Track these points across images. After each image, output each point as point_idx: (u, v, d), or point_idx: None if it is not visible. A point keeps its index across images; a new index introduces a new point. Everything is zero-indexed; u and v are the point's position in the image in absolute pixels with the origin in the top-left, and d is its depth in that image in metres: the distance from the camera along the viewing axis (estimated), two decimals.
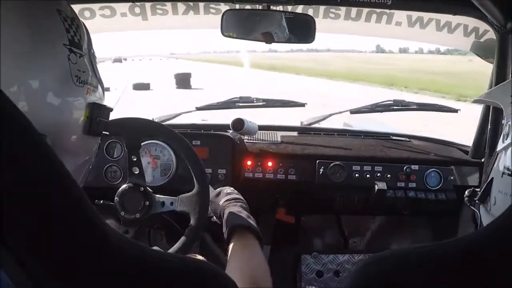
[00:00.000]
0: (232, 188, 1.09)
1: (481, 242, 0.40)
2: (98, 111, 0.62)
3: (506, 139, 0.65)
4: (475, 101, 1.09)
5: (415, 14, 1.52)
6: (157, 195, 1.09)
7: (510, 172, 0.63)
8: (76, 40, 0.57)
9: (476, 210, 0.92)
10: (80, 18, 0.64)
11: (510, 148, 0.63)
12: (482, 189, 0.82)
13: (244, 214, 0.95)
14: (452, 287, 0.39)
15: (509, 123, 0.65)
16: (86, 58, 0.60)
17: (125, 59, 70.40)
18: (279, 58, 63.14)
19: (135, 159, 1.10)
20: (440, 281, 0.40)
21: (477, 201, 0.86)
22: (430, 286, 0.40)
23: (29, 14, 0.51)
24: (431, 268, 0.40)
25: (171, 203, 1.07)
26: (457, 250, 0.41)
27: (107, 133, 0.68)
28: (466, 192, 0.97)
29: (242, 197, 1.04)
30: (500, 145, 0.66)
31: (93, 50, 0.64)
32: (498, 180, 0.66)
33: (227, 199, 1.02)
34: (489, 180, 0.74)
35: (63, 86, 0.54)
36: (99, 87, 0.65)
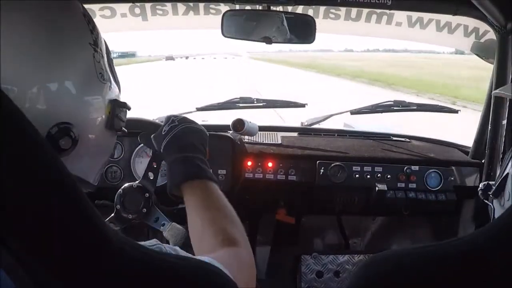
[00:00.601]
0: (171, 115, 0.92)
1: (482, 242, 0.40)
2: (118, 108, 0.65)
3: None
4: (495, 94, 1.08)
5: (415, 15, 1.53)
6: (157, 208, 1.07)
7: None
8: (98, 41, 0.62)
9: (490, 204, 0.92)
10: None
11: None
12: (497, 184, 0.83)
13: (194, 163, 0.80)
14: (453, 287, 0.39)
15: None
16: (105, 57, 0.64)
17: (187, 57, 71.36)
18: (359, 59, 47.43)
19: (155, 166, 1.09)
20: (441, 282, 0.40)
21: (491, 195, 0.86)
22: (431, 286, 0.40)
23: (55, 18, 0.56)
24: (431, 269, 0.40)
25: (163, 224, 1.05)
26: (458, 251, 0.41)
27: (125, 130, 0.70)
28: (481, 185, 0.97)
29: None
30: None
31: (108, 50, 0.68)
32: None
33: (169, 144, 0.85)
34: (504, 175, 0.74)
35: (90, 83, 0.59)
36: (115, 85, 0.68)
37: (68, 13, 0.59)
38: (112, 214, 1.05)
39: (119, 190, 1.06)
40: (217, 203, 0.73)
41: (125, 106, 0.68)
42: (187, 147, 0.84)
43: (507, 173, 0.76)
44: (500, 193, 0.75)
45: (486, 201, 0.97)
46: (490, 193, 0.86)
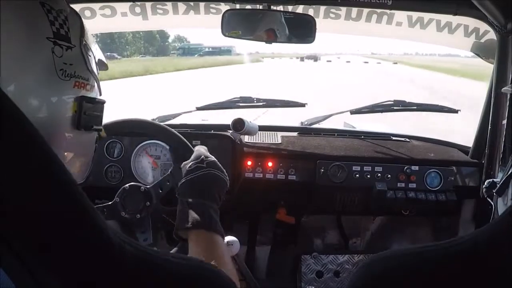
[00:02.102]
0: (203, 154, 0.91)
1: (482, 241, 0.40)
2: (87, 105, 0.60)
3: None
4: (505, 90, 1.08)
5: (415, 15, 1.52)
6: (149, 222, 1.06)
7: None
8: (63, 32, 0.56)
9: (492, 202, 0.92)
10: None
11: None
12: (501, 182, 0.83)
13: (204, 210, 0.79)
14: (453, 286, 0.39)
15: None
16: (75, 50, 0.58)
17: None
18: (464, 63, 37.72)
19: (168, 183, 1.08)
20: (441, 281, 0.40)
21: (494, 194, 0.86)
22: (431, 285, 0.40)
23: (9, 8, 0.49)
24: (431, 268, 0.40)
25: (145, 239, 1.03)
26: (458, 250, 0.41)
27: (100, 128, 0.66)
28: (486, 183, 0.97)
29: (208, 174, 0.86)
30: None
31: (85, 42, 0.62)
32: None
33: (188, 183, 0.84)
34: (509, 173, 0.74)
35: (47, 81, 0.53)
36: (92, 79, 0.63)
37: (18, 5, 0.51)
38: (109, 203, 1.04)
39: (126, 185, 1.06)
40: (219, 260, 0.71)
41: (97, 102, 0.63)
42: (205, 193, 0.83)
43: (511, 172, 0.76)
44: (504, 191, 0.75)
45: (489, 200, 0.97)
46: (494, 191, 0.86)
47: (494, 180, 0.90)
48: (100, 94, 0.68)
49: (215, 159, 0.92)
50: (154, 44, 62.22)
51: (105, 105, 0.67)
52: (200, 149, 0.94)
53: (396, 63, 51.35)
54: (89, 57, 0.62)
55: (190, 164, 0.88)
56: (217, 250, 0.75)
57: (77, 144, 0.62)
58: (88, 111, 0.60)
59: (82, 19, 0.64)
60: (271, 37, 1.34)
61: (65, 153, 0.59)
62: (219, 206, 0.85)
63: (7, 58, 0.48)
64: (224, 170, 0.92)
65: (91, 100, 0.61)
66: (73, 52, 0.57)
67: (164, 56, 54.55)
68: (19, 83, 0.50)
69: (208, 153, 0.93)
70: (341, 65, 42.57)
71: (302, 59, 58.99)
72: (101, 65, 0.75)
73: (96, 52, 0.69)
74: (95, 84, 0.64)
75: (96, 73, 0.65)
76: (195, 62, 34.53)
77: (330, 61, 55.59)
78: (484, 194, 0.99)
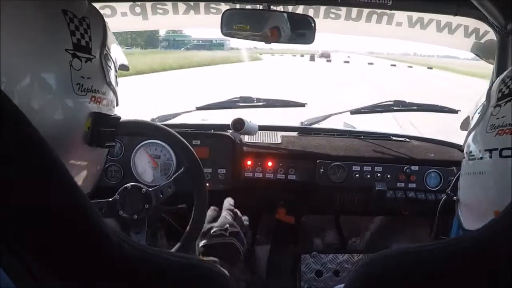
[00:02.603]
0: (228, 223, 0.91)
1: (484, 239, 0.40)
2: (102, 121, 0.57)
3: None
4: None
5: (415, 15, 1.52)
6: (145, 226, 1.07)
7: (465, 156, 0.68)
8: (84, 43, 0.52)
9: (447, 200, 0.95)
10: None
11: (469, 137, 0.68)
12: (453, 181, 0.85)
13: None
14: (452, 286, 0.40)
15: (472, 117, 0.69)
16: (95, 61, 0.55)
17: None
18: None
19: (169, 190, 1.09)
20: (440, 280, 0.40)
21: (448, 192, 0.89)
22: (430, 284, 0.40)
23: (28, 17, 0.47)
24: (430, 267, 0.40)
25: (138, 241, 1.05)
26: (459, 248, 0.41)
27: (113, 144, 0.63)
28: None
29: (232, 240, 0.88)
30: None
31: (106, 51, 0.58)
32: (461, 166, 0.71)
33: (208, 248, 0.87)
34: (460, 172, 0.77)
35: (61, 96, 0.51)
36: (110, 93, 0.59)
37: (42, 12, 0.49)
38: (109, 199, 1.05)
39: (128, 185, 1.07)
40: None
41: (111, 118, 0.60)
42: (221, 257, 0.86)
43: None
44: (457, 186, 0.78)
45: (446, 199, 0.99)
46: (448, 190, 0.89)
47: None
48: (117, 105, 0.65)
49: (239, 229, 0.94)
50: (143, 35, 53.17)
51: None
52: (226, 212, 0.95)
53: (431, 68, 40.74)
54: (108, 68, 0.59)
55: (215, 230, 0.91)
56: None
57: (87, 158, 0.60)
58: (102, 127, 0.57)
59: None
60: (274, 36, 1.33)
61: (75, 166, 0.58)
62: (229, 270, 0.89)
63: (19, 69, 0.46)
64: (244, 241, 0.93)
65: (106, 116, 0.58)
66: (93, 64, 0.54)
67: (154, 49, 48.90)
68: (31, 97, 0.48)
69: (231, 219, 0.96)
70: (363, 67, 33.25)
71: (312, 57, 46.23)
72: (122, 67, 0.72)
73: (117, 54, 0.65)
74: (112, 97, 0.61)
75: (115, 85, 0.62)
76: (176, 58, 27.32)
77: (348, 62, 44.33)
78: (445, 195, 1.01)
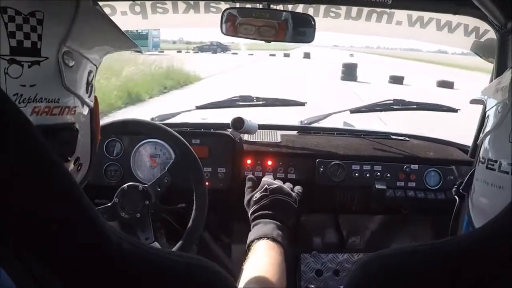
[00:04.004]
0: (266, 183, 1.07)
1: (482, 239, 0.40)
2: (49, 136, 0.48)
3: (485, 130, 0.66)
4: (472, 102, 1.09)
5: (415, 14, 1.52)
6: (150, 221, 1.08)
7: (483, 161, 0.64)
8: (28, 44, 0.45)
9: (457, 200, 0.95)
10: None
11: (486, 138, 0.63)
12: (466, 179, 0.84)
13: (269, 226, 0.93)
14: (453, 284, 0.40)
15: (488, 114, 0.65)
16: (47, 63, 0.47)
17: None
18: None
19: (166, 181, 1.14)
20: (441, 279, 0.40)
21: (461, 190, 0.88)
22: (428, 283, 0.40)
23: None
24: (429, 266, 0.40)
25: (146, 239, 1.07)
26: (458, 248, 0.41)
27: (74, 159, 0.54)
28: (457, 183, 0.98)
29: (278, 202, 1.02)
30: (480, 136, 0.68)
31: (69, 48, 0.49)
32: (477, 168, 0.68)
33: (255, 211, 1.01)
34: (473, 170, 0.75)
35: None
36: (70, 98, 0.50)
37: None
38: (108, 204, 1.05)
39: (124, 186, 1.07)
40: (273, 264, 0.80)
41: (53, 130, 0.49)
42: (272, 216, 0.96)
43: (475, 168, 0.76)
44: (469, 187, 0.76)
45: (456, 197, 0.99)
46: (460, 188, 0.88)
47: (463, 180, 0.91)
48: (90, 108, 0.56)
49: (279, 184, 1.05)
50: None
51: None
52: (265, 179, 1.12)
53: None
54: (70, 68, 0.50)
55: (255, 194, 1.05)
56: (275, 256, 0.83)
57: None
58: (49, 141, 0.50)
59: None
60: (278, 35, 1.33)
61: None
62: (288, 224, 0.97)
63: None
64: (291, 193, 1.05)
65: (51, 127, 0.48)
66: (41, 67, 0.46)
67: None
68: None
69: (272, 180, 1.07)
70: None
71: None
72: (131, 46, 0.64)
73: (115, 43, 0.57)
74: (74, 102, 0.52)
75: (83, 87, 0.53)
76: None
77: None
78: (453, 192, 1.01)
